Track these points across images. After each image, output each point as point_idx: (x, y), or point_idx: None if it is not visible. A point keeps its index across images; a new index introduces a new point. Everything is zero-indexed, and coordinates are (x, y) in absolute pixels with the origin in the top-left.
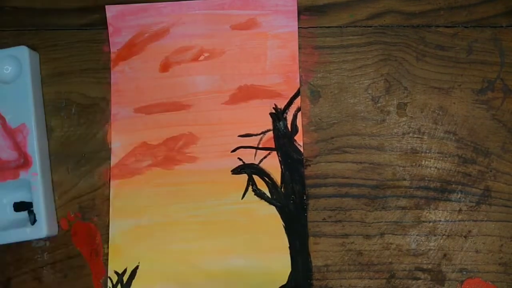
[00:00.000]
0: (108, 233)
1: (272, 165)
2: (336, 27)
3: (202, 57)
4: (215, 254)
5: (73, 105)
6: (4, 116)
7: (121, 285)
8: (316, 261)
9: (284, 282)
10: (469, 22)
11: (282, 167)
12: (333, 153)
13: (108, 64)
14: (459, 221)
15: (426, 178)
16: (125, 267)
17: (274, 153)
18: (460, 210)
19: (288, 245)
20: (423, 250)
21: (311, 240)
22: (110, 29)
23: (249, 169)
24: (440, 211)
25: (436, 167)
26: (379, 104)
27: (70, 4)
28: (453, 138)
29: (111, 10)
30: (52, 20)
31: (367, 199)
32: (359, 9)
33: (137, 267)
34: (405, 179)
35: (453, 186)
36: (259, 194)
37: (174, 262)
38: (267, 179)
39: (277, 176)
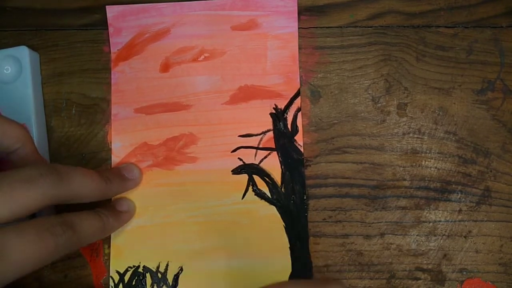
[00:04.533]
0: None
1: (272, 165)
2: (336, 27)
3: (202, 57)
4: (215, 254)
5: (73, 105)
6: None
7: (123, 285)
8: (317, 261)
9: None
10: (469, 22)
11: (283, 167)
12: (333, 153)
13: (108, 65)
14: (459, 221)
15: (426, 178)
16: (126, 267)
17: (275, 153)
18: (460, 210)
19: (289, 245)
20: (423, 250)
21: (311, 240)
22: (111, 29)
23: (249, 169)
24: (440, 211)
25: (436, 167)
26: (379, 104)
27: (71, 4)
28: (453, 138)
29: (111, 11)
30: (52, 20)
31: (367, 200)
32: (359, 9)
33: (138, 267)
34: (405, 179)
35: (453, 186)
36: (259, 194)
37: (174, 262)
38: (267, 179)
39: (277, 176)
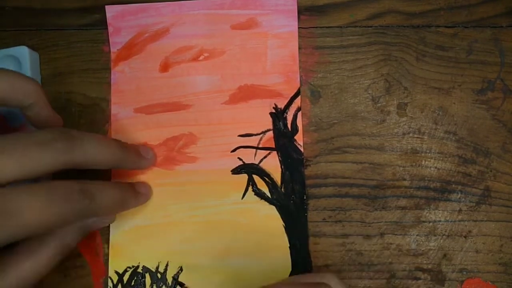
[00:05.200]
0: (108, 233)
1: (272, 165)
2: (336, 27)
3: (202, 57)
4: (215, 254)
5: (73, 105)
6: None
7: (122, 285)
8: (316, 261)
9: None
10: (469, 22)
11: (282, 167)
12: (333, 153)
13: (108, 64)
14: (459, 221)
15: (426, 178)
16: (125, 267)
17: (274, 153)
18: (460, 210)
19: (289, 245)
20: (423, 250)
21: (311, 240)
22: (110, 29)
23: (249, 169)
24: (440, 211)
25: (436, 167)
26: (379, 104)
27: (70, 4)
28: (453, 138)
29: (111, 10)
30: (52, 20)
31: (367, 199)
32: (359, 9)
33: (137, 267)
34: (405, 179)
35: (453, 186)
36: (259, 194)
37: (173, 262)
38: (267, 179)
39: (277, 176)
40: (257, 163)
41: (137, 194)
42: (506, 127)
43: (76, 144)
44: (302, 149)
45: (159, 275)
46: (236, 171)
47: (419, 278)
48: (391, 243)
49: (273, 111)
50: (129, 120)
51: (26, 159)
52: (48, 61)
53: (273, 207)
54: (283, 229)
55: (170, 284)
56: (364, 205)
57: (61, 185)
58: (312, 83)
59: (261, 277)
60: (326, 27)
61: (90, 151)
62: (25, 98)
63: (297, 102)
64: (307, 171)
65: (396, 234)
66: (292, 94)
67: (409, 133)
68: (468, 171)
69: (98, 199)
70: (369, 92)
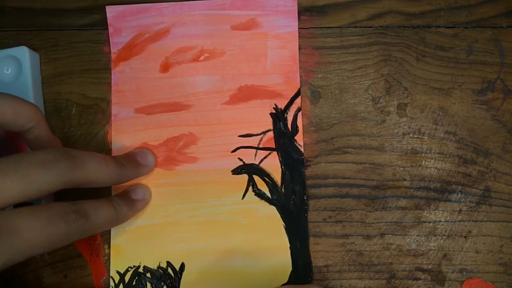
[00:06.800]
0: (108, 234)
1: (273, 165)
2: (336, 27)
3: (202, 57)
4: (215, 254)
5: (73, 105)
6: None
7: (123, 285)
8: (317, 262)
9: (285, 282)
10: (469, 22)
11: (283, 167)
12: (333, 153)
13: (108, 65)
14: (459, 221)
15: (426, 179)
16: (126, 267)
17: (275, 153)
18: (460, 211)
19: (289, 245)
20: (423, 251)
21: (312, 240)
22: (111, 29)
23: (249, 169)
24: (440, 212)
25: (436, 168)
26: (379, 105)
27: (71, 4)
28: (453, 138)
29: (111, 11)
30: (53, 20)
31: (367, 200)
32: (359, 10)
33: (138, 267)
34: (405, 180)
35: (453, 186)
36: (259, 194)
37: (174, 262)
38: (267, 179)
39: (277, 176)
40: (257, 163)
41: (132, 204)
42: (506, 128)
43: (77, 164)
44: (302, 150)
45: (159, 275)
46: (236, 171)
47: (419, 279)
48: (391, 244)
49: (273, 111)
50: (129, 121)
51: (28, 181)
52: (48, 61)
53: (273, 207)
54: (283, 229)
55: (170, 284)
56: (364, 206)
57: (58, 206)
58: (312, 83)
59: (261, 277)
60: (326, 27)
61: (90, 171)
62: (26, 122)
63: (297, 102)
64: (308, 172)
65: (396, 235)
66: (292, 95)
67: (409, 134)
68: (468, 171)
69: (93, 218)
70: (369, 92)
